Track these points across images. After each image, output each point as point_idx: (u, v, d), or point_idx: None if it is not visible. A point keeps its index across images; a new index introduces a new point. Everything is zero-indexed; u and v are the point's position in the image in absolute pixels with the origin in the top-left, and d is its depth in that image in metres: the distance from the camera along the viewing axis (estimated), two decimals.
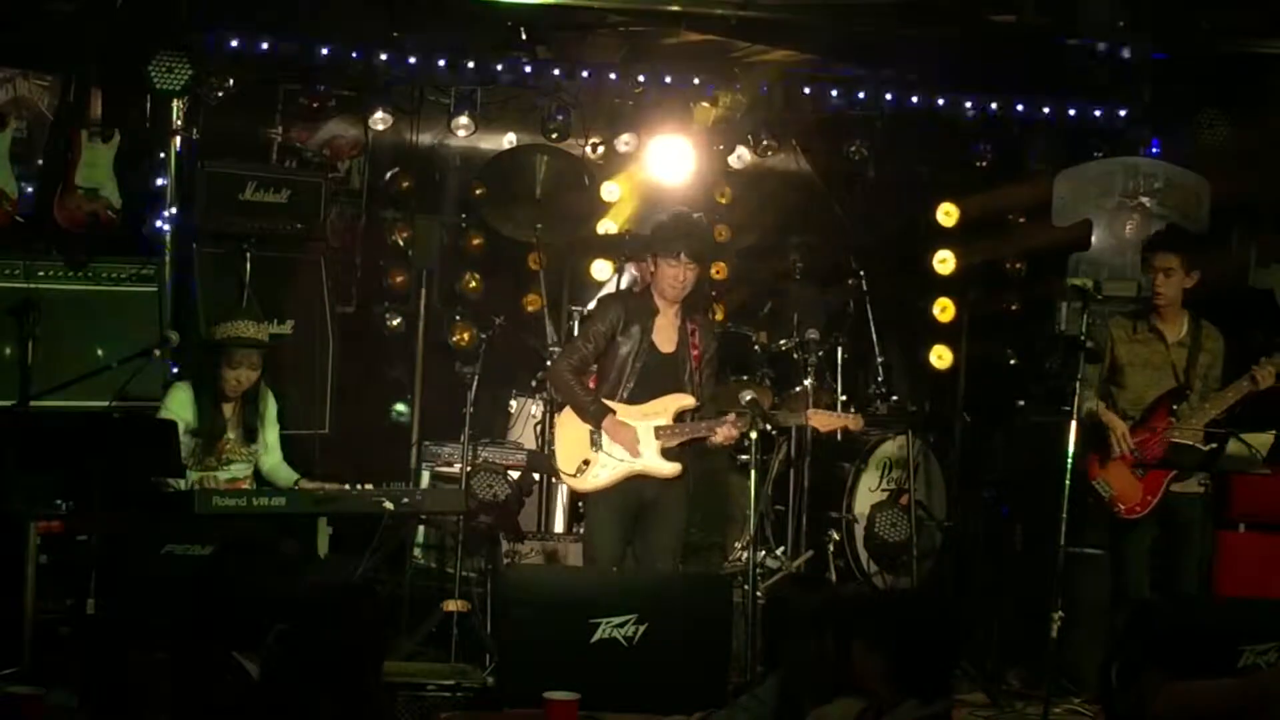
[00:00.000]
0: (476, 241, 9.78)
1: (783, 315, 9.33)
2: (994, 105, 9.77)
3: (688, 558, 8.11)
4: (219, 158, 8.86)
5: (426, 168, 9.83)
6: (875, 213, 10.18)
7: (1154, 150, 9.73)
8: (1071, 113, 9.83)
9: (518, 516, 8.33)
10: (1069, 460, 7.09)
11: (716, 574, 8.35)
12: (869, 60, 9.72)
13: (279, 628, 4.92)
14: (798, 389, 8.76)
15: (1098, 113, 9.85)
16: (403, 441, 9.45)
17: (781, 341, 9.04)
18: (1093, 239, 9.42)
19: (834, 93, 9.72)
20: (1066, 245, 9.45)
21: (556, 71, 9.45)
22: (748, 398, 7.18)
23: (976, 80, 9.73)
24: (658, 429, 7.24)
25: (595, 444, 7.27)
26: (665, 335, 7.34)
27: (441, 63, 9.22)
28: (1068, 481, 7.09)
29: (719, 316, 9.49)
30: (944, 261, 10.01)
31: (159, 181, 8.73)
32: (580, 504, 8.13)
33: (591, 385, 7.48)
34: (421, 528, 8.48)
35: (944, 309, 10.04)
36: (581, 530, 8.04)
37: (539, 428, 8.74)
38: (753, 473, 7.17)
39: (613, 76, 9.52)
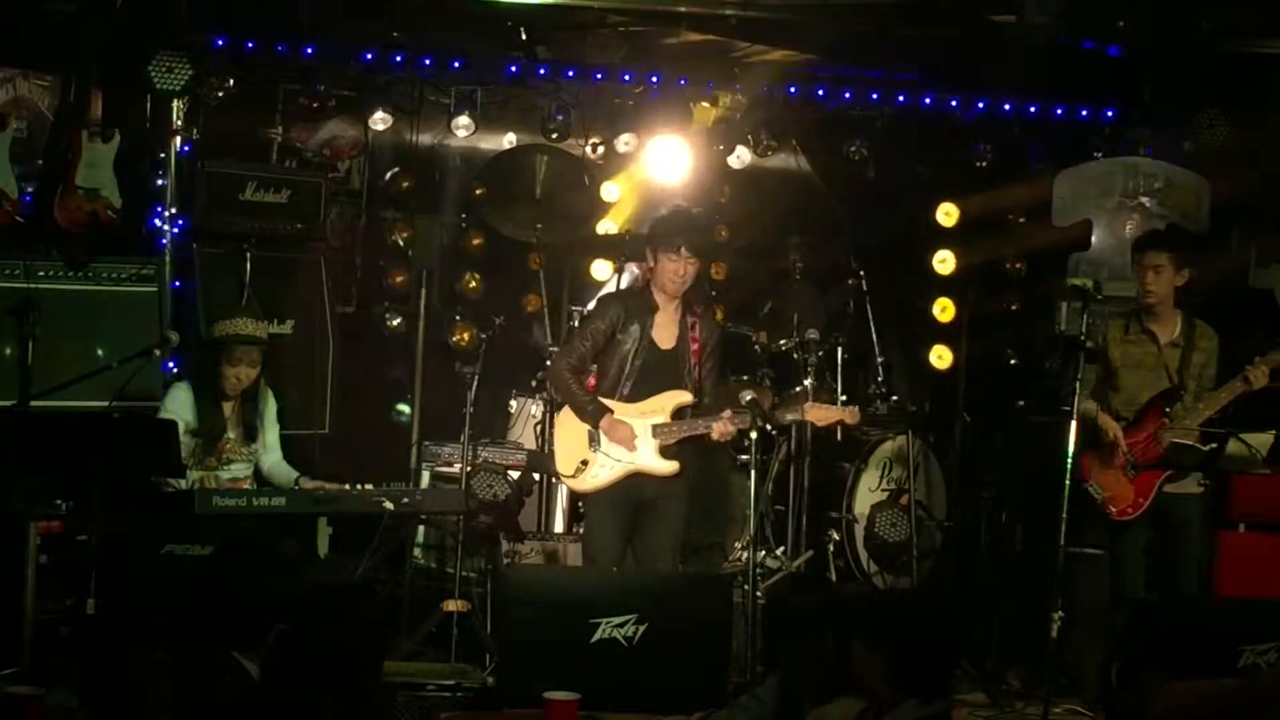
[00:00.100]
0: (476, 241, 9.78)
1: (783, 315, 9.33)
2: (994, 105, 9.77)
3: (688, 558, 8.11)
4: (219, 158, 8.86)
5: (426, 168, 9.83)
6: (875, 213, 10.17)
7: (1153, 150, 9.72)
8: (1071, 113, 9.83)
9: (518, 516, 8.33)
10: (1069, 460, 7.09)
11: (716, 574, 8.35)
12: (869, 60, 9.72)
13: (279, 628, 4.93)
14: (798, 389, 8.76)
15: (1097, 113, 9.85)
16: (403, 441, 9.44)
17: (781, 341, 9.04)
18: (1093, 239, 9.42)
19: (834, 93, 9.72)
20: (1066, 245, 9.45)
21: (556, 71, 9.46)
22: (748, 398, 7.18)
23: (976, 80, 9.72)
24: (655, 427, 7.25)
25: (593, 444, 7.27)
26: (665, 332, 7.34)
27: (441, 63, 9.22)
28: (1067, 481, 7.09)
29: (719, 317, 9.48)
30: (944, 261, 10.00)
31: (159, 181, 8.73)
32: (580, 504, 8.13)
33: (591, 384, 7.49)
34: (421, 528, 8.48)
35: (944, 309, 10.03)
36: (581, 530, 8.04)
37: (539, 428, 8.74)
38: (753, 473, 7.17)
39: (613, 76, 9.52)
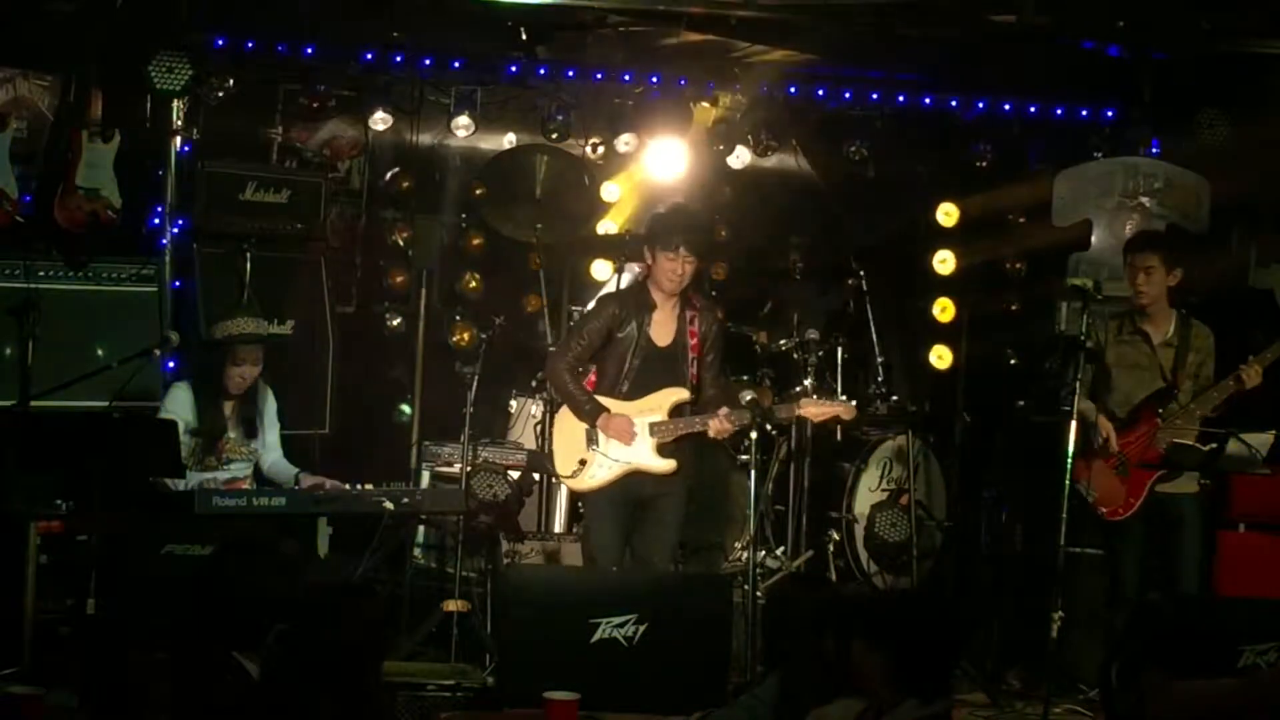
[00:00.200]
0: (476, 241, 9.77)
1: (783, 315, 9.34)
2: (994, 105, 9.77)
3: (688, 558, 8.11)
4: (219, 158, 8.86)
5: (426, 168, 9.82)
6: (875, 213, 10.17)
7: (1154, 150, 9.72)
8: (1071, 113, 9.83)
9: (518, 516, 8.33)
10: (1069, 460, 7.09)
11: (716, 574, 8.35)
12: (869, 60, 9.71)
13: (279, 628, 4.93)
14: (797, 389, 8.75)
15: (1097, 113, 9.85)
16: (403, 441, 9.45)
17: (781, 341, 9.04)
18: (1093, 239, 9.42)
19: (834, 93, 9.72)
20: (1066, 245, 9.44)
21: (556, 71, 9.45)
22: (748, 398, 7.18)
23: (976, 80, 9.72)
24: (652, 425, 7.24)
25: (592, 443, 7.27)
26: (663, 329, 7.34)
27: (441, 63, 9.22)
28: (1067, 481, 7.09)
29: (719, 317, 9.48)
30: (944, 261, 10.00)
31: (159, 182, 8.73)
32: (580, 504, 8.13)
33: (591, 383, 7.48)
34: (421, 528, 8.47)
35: (944, 309, 10.03)
36: (581, 530, 8.04)
37: (539, 428, 8.74)
38: (752, 472, 7.17)
39: (613, 77, 9.52)
